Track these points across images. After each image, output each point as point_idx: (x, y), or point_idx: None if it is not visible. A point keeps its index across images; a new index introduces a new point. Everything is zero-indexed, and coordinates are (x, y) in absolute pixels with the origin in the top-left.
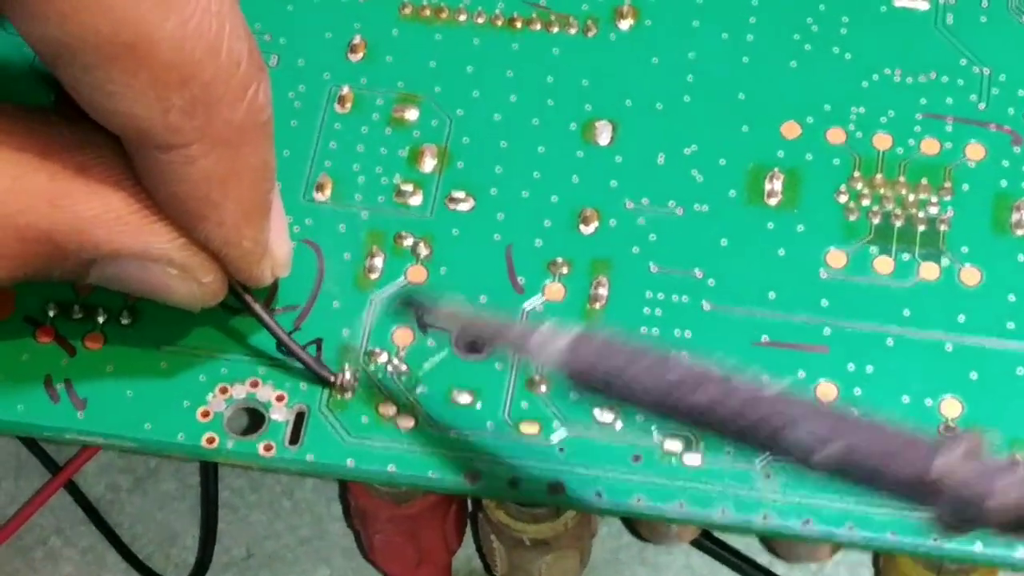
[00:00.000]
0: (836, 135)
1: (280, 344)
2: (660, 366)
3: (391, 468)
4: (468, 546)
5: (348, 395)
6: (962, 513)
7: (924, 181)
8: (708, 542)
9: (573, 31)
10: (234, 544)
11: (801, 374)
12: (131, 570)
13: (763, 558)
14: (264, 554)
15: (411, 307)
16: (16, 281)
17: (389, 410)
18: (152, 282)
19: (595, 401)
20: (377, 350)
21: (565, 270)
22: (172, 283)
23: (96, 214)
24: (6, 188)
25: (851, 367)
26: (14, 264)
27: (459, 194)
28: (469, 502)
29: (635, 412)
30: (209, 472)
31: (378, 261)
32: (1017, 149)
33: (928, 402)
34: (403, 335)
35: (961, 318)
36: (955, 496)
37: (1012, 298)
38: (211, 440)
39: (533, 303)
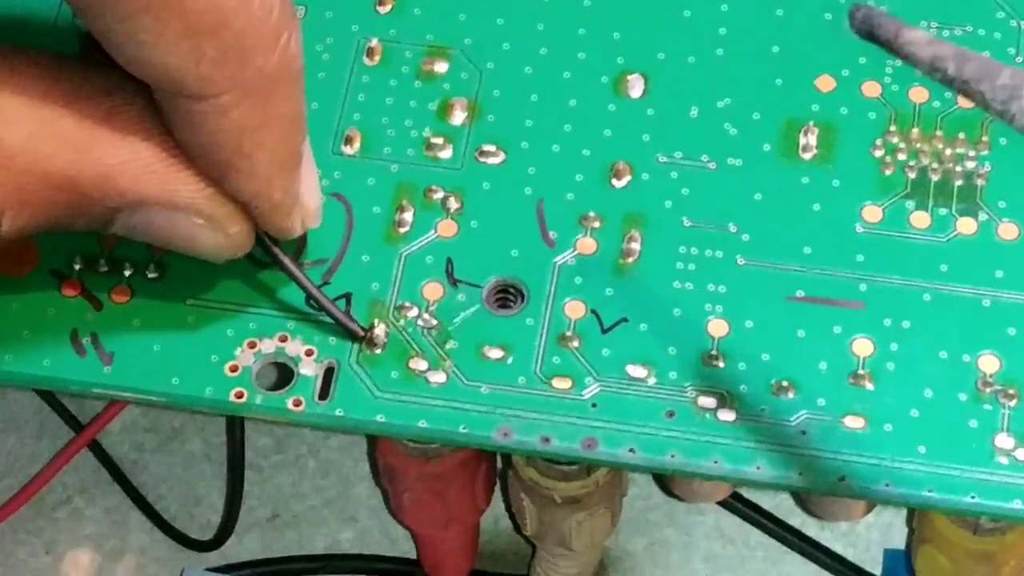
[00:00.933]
0: (872, 88)
1: (309, 298)
2: None
3: (422, 424)
4: (497, 506)
5: (378, 350)
6: None
7: (961, 135)
8: (739, 504)
9: None
10: (259, 504)
11: (837, 329)
12: (155, 530)
13: (795, 519)
14: (289, 514)
15: (866, 20)
16: (40, 230)
17: (420, 365)
18: (178, 232)
19: None
20: (407, 304)
21: (597, 224)
22: (198, 233)
23: (123, 161)
24: (32, 132)
25: (887, 323)
26: (39, 211)
27: (490, 148)
28: (499, 460)
29: None
30: (236, 432)
31: (408, 215)
32: None
33: (966, 358)
34: (433, 289)
35: (999, 274)
36: None
37: None
38: (239, 395)
39: (564, 257)
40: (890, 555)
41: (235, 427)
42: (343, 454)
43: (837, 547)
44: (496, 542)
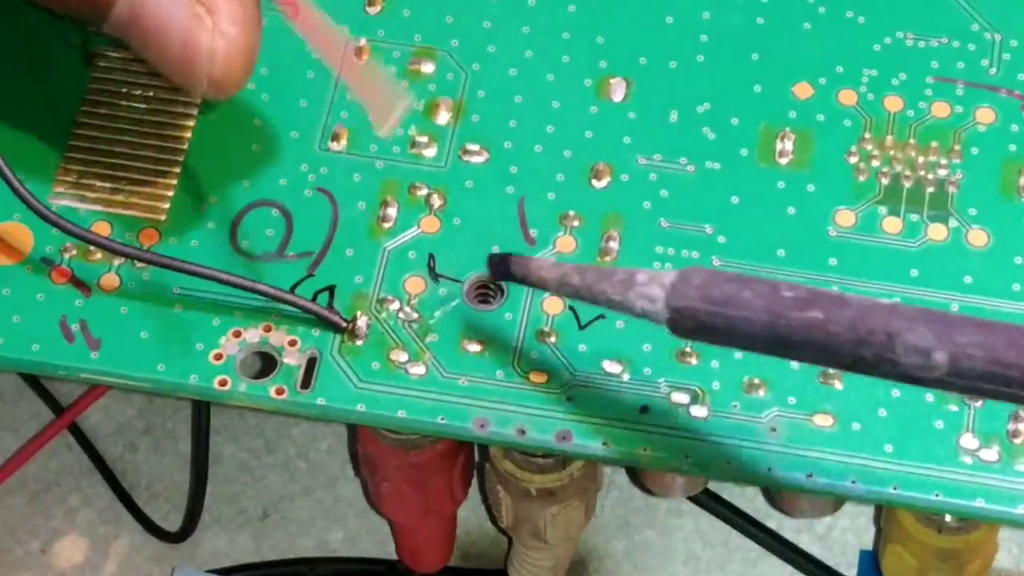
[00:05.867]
0: (848, 96)
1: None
2: (772, 288)
3: (401, 414)
4: (476, 501)
5: (360, 341)
6: None
7: (934, 144)
8: (718, 505)
9: None
10: (250, 505)
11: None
12: (146, 531)
13: (772, 522)
14: (279, 515)
15: (501, 263)
16: None
17: (400, 357)
18: (177, 20)
19: (700, 340)
20: (389, 298)
21: (576, 223)
22: (193, 28)
23: None
24: None
25: None
26: None
27: (473, 147)
28: (476, 453)
29: (741, 346)
30: (201, 420)
31: (392, 211)
32: None
33: None
34: (415, 284)
35: (968, 279)
36: None
37: (1019, 260)
38: (223, 383)
39: (545, 255)
40: (865, 556)
41: (200, 414)
42: (332, 456)
43: (814, 549)
44: (473, 535)
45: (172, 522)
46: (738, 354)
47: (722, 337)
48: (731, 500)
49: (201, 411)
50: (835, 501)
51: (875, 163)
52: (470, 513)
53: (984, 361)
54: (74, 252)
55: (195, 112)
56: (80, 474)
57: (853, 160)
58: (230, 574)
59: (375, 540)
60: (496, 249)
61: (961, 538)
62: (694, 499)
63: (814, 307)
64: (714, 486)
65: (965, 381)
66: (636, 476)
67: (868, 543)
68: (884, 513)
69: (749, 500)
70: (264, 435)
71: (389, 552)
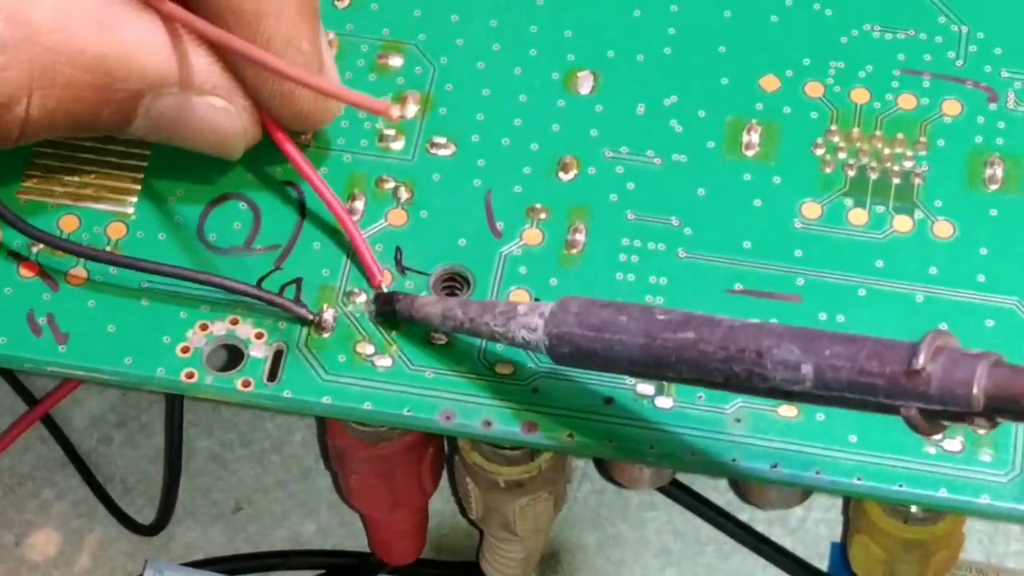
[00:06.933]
0: (814, 89)
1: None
2: (646, 311)
3: (367, 406)
4: (448, 493)
5: (326, 334)
6: (948, 400)
7: (900, 136)
8: (690, 498)
9: None
10: (223, 498)
11: (774, 322)
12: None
13: (744, 515)
14: (253, 508)
15: (386, 303)
16: (67, 121)
17: (367, 349)
18: (198, 117)
19: (579, 365)
20: (356, 291)
21: (543, 216)
22: (217, 118)
23: (141, 38)
24: (58, 10)
25: (823, 317)
26: (66, 94)
27: (441, 140)
28: (446, 445)
29: (618, 369)
30: (175, 414)
31: (359, 204)
32: (993, 106)
33: None
34: (383, 276)
35: (933, 271)
36: (941, 384)
37: (984, 252)
38: (190, 375)
39: (511, 248)
40: (836, 548)
41: (174, 407)
42: (306, 449)
43: (786, 541)
44: (446, 528)
45: (147, 515)
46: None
47: (600, 360)
48: (703, 493)
49: (175, 404)
50: (802, 492)
51: (841, 155)
52: (443, 505)
53: (848, 371)
54: (42, 246)
55: None
56: (54, 467)
57: (819, 152)
58: (203, 567)
59: (348, 533)
60: (463, 243)
61: (927, 529)
62: (667, 492)
63: (687, 328)
64: (686, 479)
65: (832, 392)
66: (604, 468)
67: (839, 535)
68: (851, 504)
69: (722, 493)
70: (238, 428)
71: (362, 545)
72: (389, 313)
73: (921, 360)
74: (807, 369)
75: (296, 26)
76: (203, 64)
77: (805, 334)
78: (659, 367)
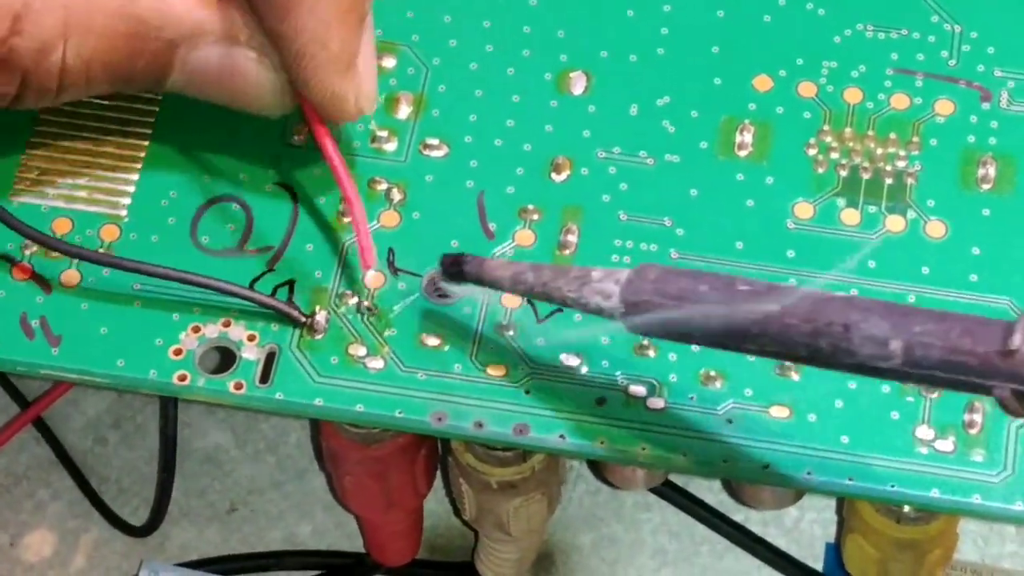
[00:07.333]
0: (807, 89)
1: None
2: (727, 281)
3: (359, 408)
4: (443, 494)
5: (319, 336)
6: None
7: (893, 135)
8: (685, 499)
9: None
10: (219, 498)
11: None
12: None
13: (739, 515)
14: (248, 508)
15: (455, 264)
16: (105, 72)
17: (359, 351)
18: (237, 70)
19: (653, 335)
20: (348, 292)
21: (536, 217)
22: (256, 70)
23: None
24: None
25: None
26: (101, 43)
27: (433, 141)
28: (439, 446)
29: (697, 340)
30: (169, 415)
31: None
32: (986, 106)
33: None
34: (374, 278)
35: (925, 270)
36: None
37: (976, 251)
38: (183, 377)
39: (503, 249)
40: (831, 549)
41: (168, 408)
42: (301, 450)
43: (781, 542)
44: (441, 528)
45: (142, 516)
46: (695, 346)
47: (678, 331)
48: (697, 494)
49: (169, 405)
50: (794, 492)
51: (834, 155)
52: (437, 506)
53: (940, 349)
54: (35, 249)
55: (156, 108)
56: (49, 468)
57: (812, 152)
58: (198, 567)
59: (343, 534)
60: (456, 244)
61: (920, 528)
62: (661, 493)
63: (771, 300)
64: (680, 480)
65: (921, 370)
66: (597, 469)
67: (834, 536)
68: (845, 504)
69: (715, 494)
70: (233, 429)
71: (358, 546)
72: (457, 274)
73: (1017, 340)
74: (896, 346)
75: (326, 24)
76: (240, 17)
77: (895, 309)
78: (740, 339)
